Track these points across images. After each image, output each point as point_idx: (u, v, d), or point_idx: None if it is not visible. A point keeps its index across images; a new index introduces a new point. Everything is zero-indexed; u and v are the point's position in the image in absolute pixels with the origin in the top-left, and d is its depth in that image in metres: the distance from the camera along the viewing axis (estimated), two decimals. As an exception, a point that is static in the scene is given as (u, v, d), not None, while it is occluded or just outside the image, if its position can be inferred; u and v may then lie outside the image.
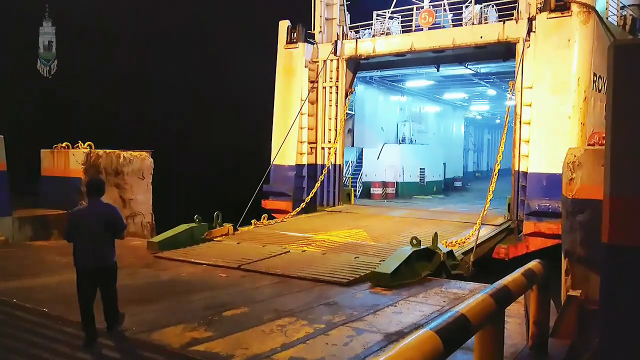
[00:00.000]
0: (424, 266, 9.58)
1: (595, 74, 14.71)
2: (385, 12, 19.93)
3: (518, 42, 15.94)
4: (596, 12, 14.61)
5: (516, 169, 15.75)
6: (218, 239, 12.73)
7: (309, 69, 19.90)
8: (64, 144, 14.70)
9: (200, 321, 6.50)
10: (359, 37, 20.35)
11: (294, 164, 19.56)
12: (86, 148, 14.41)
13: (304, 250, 11.49)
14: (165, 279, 8.63)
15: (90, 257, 5.69)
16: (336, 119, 19.93)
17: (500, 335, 4.00)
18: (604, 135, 6.29)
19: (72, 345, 5.75)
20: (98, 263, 5.72)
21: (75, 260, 5.72)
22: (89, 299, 5.70)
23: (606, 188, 3.98)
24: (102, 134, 15.73)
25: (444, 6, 18.83)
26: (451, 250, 10.74)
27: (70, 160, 14.22)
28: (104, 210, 5.90)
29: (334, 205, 19.78)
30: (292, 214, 17.59)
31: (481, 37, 16.93)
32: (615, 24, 16.30)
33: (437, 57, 19.22)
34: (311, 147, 20.01)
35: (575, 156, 7.59)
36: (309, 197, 18.53)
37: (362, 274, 9.13)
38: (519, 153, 15.62)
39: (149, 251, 11.16)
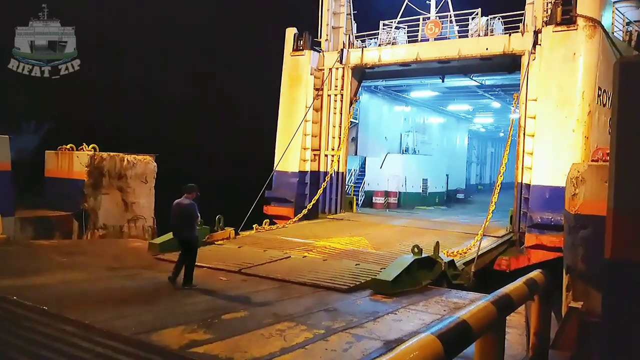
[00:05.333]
0: (425, 275, 9.56)
1: (600, 88, 14.74)
2: (391, 22, 20.01)
3: (523, 54, 16.00)
4: (602, 26, 14.67)
5: (519, 181, 15.73)
6: (219, 242, 12.74)
7: (315, 77, 19.96)
8: (68, 146, 14.70)
9: (199, 323, 6.49)
10: (365, 46, 20.42)
11: (297, 170, 19.58)
12: (90, 150, 14.41)
13: (305, 256, 11.47)
14: (165, 280, 8.63)
15: (176, 232, 8.92)
16: (340, 126, 19.96)
17: (501, 343, 3.98)
18: (607, 151, 6.30)
19: (70, 343, 5.75)
20: (181, 236, 8.78)
21: (172, 233, 9.23)
22: (181, 256, 8.75)
23: (609, 204, 3.98)
24: (106, 138, 15.76)
25: (450, 17, 18.92)
26: (452, 260, 10.71)
27: (74, 162, 14.23)
28: (186, 205, 8.67)
29: (335, 212, 19.76)
30: (293, 220, 17.58)
31: (487, 49, 16.99)
32: (621, 39, 16.36)
33: (443, 68, 19.27)
34: (314, 154, 20.02)
35: (578, 172, 7.60)
36: (311, 203, 18.52)
37: (362, 281, 9.12)
38: (522, 165, 15.60)
39: (150, 253, 11.17)
